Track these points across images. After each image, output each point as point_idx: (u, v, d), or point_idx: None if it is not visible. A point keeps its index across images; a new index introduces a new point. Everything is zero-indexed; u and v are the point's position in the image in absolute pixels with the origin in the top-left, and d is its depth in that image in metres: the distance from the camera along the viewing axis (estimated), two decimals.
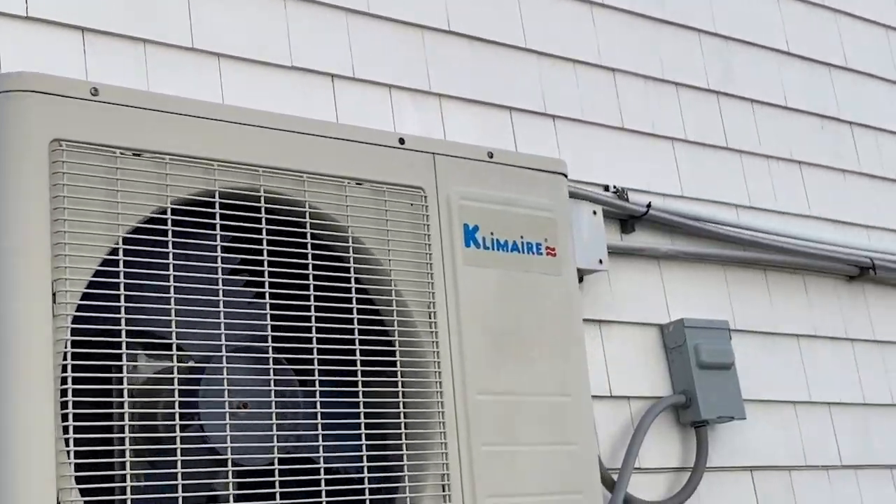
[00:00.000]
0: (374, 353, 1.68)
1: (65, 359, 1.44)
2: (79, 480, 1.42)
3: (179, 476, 1.49)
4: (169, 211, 1.56)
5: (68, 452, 1.41)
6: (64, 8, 1.98)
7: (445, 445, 1.71)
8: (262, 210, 1.62)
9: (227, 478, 1.56)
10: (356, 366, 1.65)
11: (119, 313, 1.49)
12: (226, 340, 1.56)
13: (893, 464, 3.01)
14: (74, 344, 1.45)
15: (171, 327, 1.53)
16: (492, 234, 1.86)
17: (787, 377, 2.89)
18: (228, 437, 1.54)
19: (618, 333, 2.62)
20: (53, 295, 1.45)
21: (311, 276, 1.63)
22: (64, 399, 1.43)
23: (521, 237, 1.90)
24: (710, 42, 3.05)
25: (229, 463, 1.54)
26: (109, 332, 1.49)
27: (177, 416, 1.50)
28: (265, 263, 1.61)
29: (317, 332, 1.62)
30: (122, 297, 1.49)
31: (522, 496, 1.77)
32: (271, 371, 1.61)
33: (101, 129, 1.53)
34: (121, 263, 1.50)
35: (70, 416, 1.42)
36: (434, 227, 1.79)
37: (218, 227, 1.58)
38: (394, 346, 1.70)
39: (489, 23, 2.60)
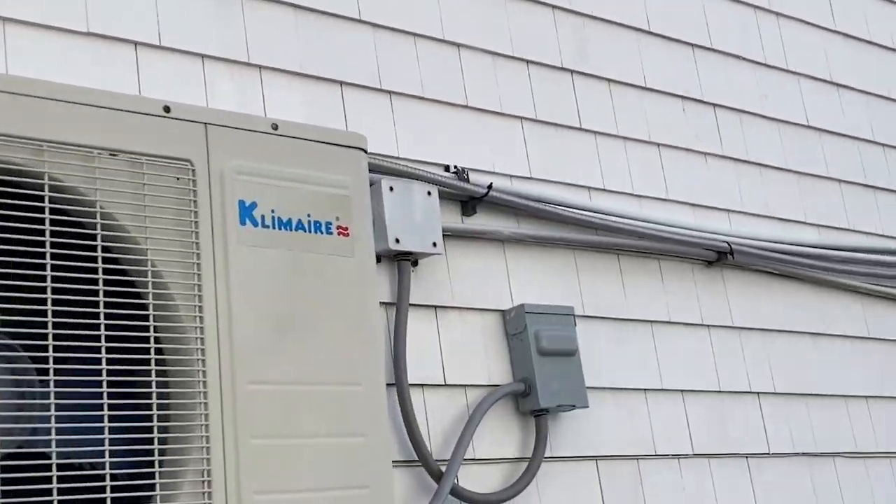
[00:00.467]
0: (128, 340, 1.55)
1: None
2: None
3: None
4: None
5: None
6: None
7: (207, 439, 1.58)
8: None
9: None
10: (101, 353, 1.52)
11: None
12: None
13: (749, 452, 2.95)
14: None
15: None
16: (273, 211, 1.73)
17: (638, 364, 2.81)
18: None
19: (456, 319, 2.52)
20: None
21: (48, 255, 1.49)
22: None
23: (308, 215, 1.77)
24: (564, 18, 2.94)
25: None
26: None
27: None
28: None
29: (54, 316, 1.48)
30: None
31: (298, 492, 1.65)
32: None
33: None
34: None
35: None
36: (204, 203, 1.65)
37: None
38: (149, 331, 1.57)
39: None
